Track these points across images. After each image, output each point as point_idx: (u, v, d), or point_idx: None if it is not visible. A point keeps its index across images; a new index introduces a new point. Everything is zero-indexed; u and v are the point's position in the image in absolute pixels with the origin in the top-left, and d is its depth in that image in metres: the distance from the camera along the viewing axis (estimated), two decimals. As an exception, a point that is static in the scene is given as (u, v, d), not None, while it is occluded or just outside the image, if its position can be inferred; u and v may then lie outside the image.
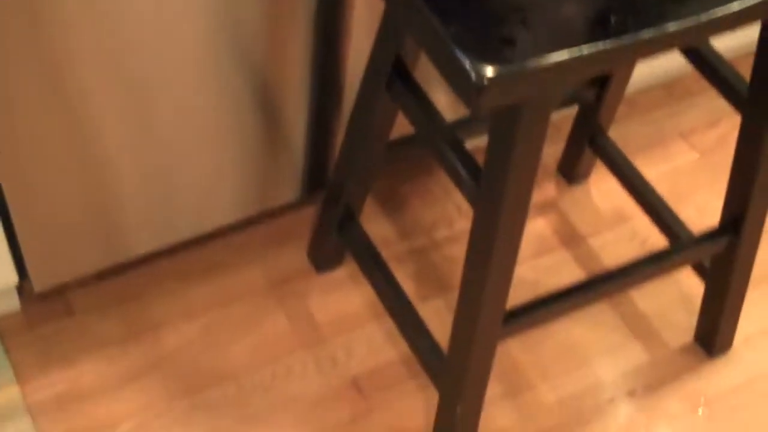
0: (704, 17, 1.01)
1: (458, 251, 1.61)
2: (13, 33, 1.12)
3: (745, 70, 1.26)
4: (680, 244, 1.40)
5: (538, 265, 1.61)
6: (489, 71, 0.93)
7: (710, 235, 1.38)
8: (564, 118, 1.76)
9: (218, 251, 1.58)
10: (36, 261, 1.36)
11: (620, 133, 1.79)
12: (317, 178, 1.54)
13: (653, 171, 1.75)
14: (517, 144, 1.04)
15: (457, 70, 0.95)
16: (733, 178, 1.33)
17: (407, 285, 1.57)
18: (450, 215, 1.66)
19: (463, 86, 0.95)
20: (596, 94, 1.54)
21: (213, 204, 1.47)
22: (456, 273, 1.59)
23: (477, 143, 1.64)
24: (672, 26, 0.99)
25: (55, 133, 1.25)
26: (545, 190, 1.71)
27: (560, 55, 0.95)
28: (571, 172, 1.70)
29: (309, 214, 1.64)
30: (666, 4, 1.00)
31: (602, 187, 1.72)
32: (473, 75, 0.93)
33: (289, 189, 1.53)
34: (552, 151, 1.74)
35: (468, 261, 1.19)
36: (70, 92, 1.21)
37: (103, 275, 1.53)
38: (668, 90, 1.88)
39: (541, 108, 1.03)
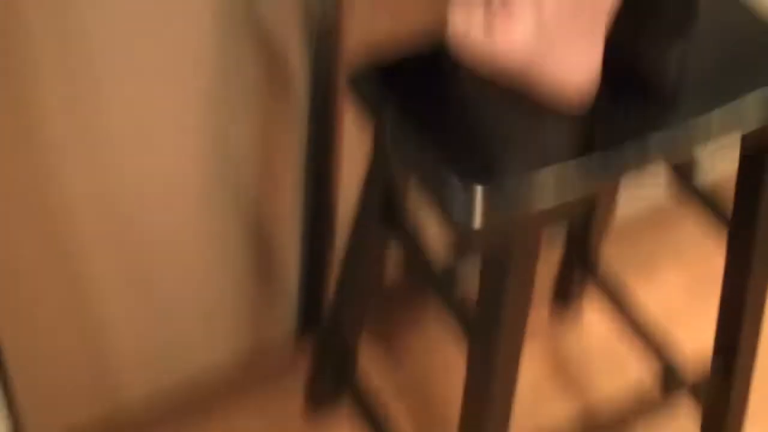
0: (684, 130, 1.03)
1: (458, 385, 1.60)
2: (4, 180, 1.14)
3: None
4: (673, 381, 1.39)
5: (534, 399, 1.60)
6: (477, 221, 0.95)
7: (703, 371, 1.38)
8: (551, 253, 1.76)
9: (210, 398, 1.55)
10: (31, 411, 1.35)
11: (610, 258, 1.80)
12: (312, 313, 1.53)
13: (644, 295, 1.75)
14: (509, 278, 1.05)
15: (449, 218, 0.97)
16: (722, 310, 1.32)
17: (405, 424, 1.55)
18: (447, 352, 1.65)
19: (457, 233, 0.96)
20: (584, 220, 1.56)
21: (204, 345, 1.46)
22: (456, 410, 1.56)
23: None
24: (653, 140, 1.02)
25: (51, 290, 1.25)
26: (536, 318, 1.71)
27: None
28: (563, 301, 1.70)
29: (306, 353, 1.61)
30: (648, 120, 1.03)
31: (594, 317, 1.71)
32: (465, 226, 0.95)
33: (283, 326, 1.52)
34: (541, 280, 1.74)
35: (465, 400, 1.18)
36: (65, 240, 1.22)
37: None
38: (656, 213, 1.89)
39: (530, 241, 1.04)
